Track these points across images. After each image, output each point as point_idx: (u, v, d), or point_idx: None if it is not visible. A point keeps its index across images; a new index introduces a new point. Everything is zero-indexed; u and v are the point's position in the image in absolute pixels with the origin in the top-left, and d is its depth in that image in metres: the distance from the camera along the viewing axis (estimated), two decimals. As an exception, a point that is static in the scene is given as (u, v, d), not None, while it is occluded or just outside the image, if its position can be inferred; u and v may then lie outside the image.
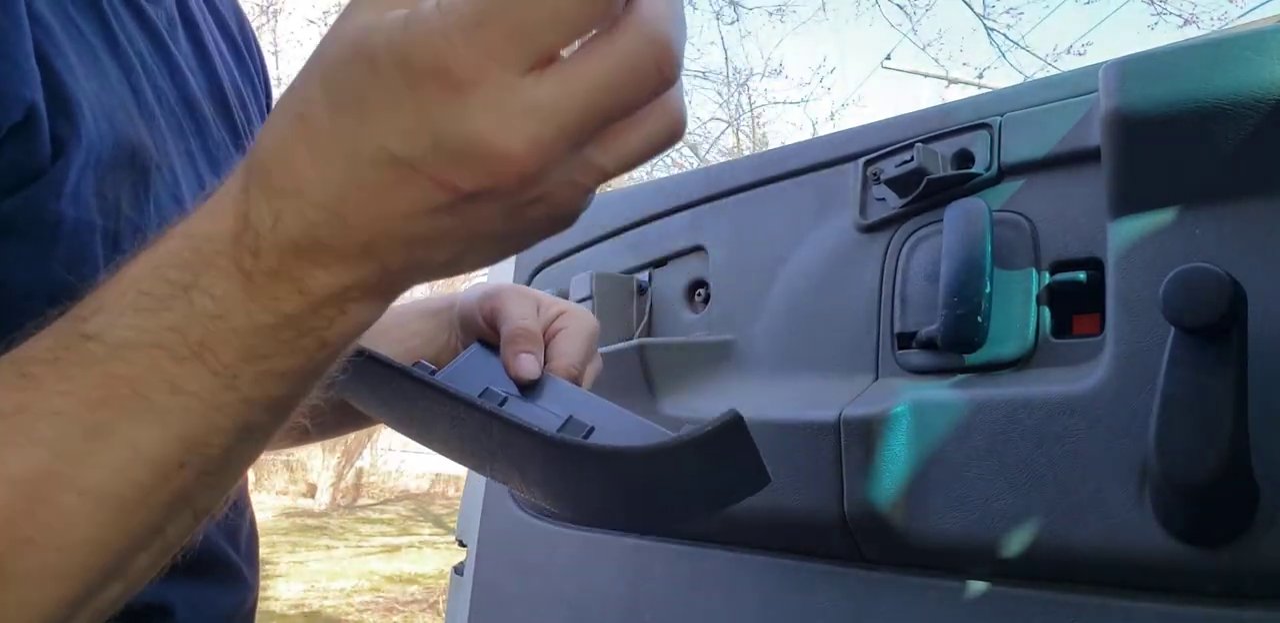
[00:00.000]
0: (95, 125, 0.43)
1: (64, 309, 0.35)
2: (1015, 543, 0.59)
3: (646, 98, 0.32)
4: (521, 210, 0.33)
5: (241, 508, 0.59)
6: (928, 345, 0.67)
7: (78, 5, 0.45)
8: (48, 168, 0.40)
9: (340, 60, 0.32)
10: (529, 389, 0.57)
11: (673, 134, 0.34)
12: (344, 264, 0.34)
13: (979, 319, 0.64)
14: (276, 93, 0.57)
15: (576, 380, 0.59)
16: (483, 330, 0.63)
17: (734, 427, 0.47)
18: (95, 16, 0.46)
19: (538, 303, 0.63)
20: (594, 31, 0.31)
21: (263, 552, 0.66)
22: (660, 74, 0.31)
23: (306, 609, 5.39)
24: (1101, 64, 0.59)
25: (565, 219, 0.35)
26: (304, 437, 0.69)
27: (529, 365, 0.56)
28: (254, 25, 0.74)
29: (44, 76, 0.41)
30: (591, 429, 0.52)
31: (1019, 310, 0.64)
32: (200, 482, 0.35)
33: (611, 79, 0.31)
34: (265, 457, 0.62)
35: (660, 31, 0.31)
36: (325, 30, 0.33)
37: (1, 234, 0.40)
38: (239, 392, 0.34)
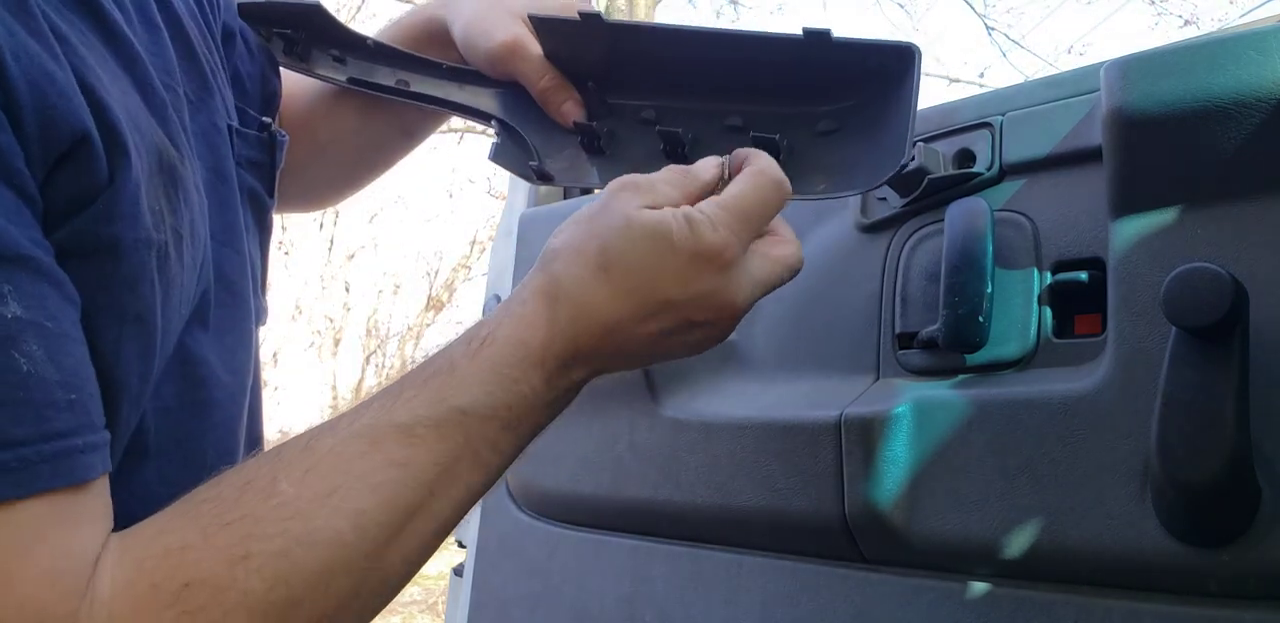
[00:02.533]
0: (133, 141, 0.43)
1: (426, 374, 0.49)
2: (1016, 543, 0.59)
3: (784, 281, 0.57)
4: (707, 337, 0.54)
5: None
6: (929, 345, 0.67)
7: (65, 2, 0.43)
8: (102, 193, 0.41)
9: (643, 240, 0.51)
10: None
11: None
12: (593, 364, 0.52)
13: (980, 319, 0.63)
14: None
15: None
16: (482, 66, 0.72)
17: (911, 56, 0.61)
18: (86, 9, 0.44)
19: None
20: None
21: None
22: (795, 268, 0.57)
23: (306, 610, 5.38)
24: (1103, 63, 0.59)
25: (719, 340, 0.56)
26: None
27: (576, 111, 0.69)
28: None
29: (88, 101, 0.41)
30: None
31: (1020, 310, 0.64)
32: (465, 513, 0.50)
33: (785, 269, 0.56)
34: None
35: (799, 250, 0.58)
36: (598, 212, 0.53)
37: (62, 258, 0.40)
38: (517, 448, 0.51)
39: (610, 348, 0.51)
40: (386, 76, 0.74)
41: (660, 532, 0.83)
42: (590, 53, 0.68)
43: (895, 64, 0.61)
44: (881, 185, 0.64)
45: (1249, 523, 0.51)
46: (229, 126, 0.59)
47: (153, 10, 0.51)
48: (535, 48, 0.68)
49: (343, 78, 0.75)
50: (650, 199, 0.53)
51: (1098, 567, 0.57)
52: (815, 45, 0.61)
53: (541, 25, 0.68)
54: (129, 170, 0.43)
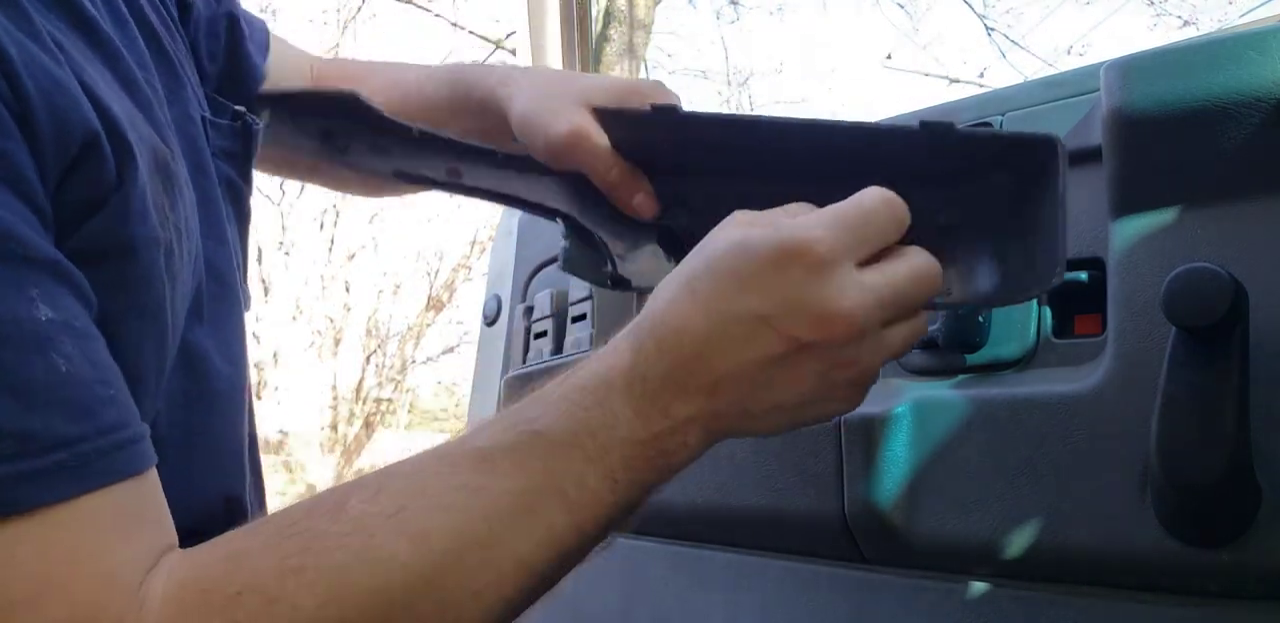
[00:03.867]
0: (135, 140, 0.43)
1: (510, 410, 0.46)
2: (1016, 543, 0.59)
3: (921, 300, 0.48)
4: (832, 372, 0.46)
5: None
6: (929, 346, 0.67)
7: (48, 4, 0.43)
8: (113, 194, 0.41)
9: (724, 253, 0.46)
10: None
11: (923, 333, 0.51)
12: (695, 398, 0.45)
13: (980, 319, 0.64)
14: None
15: None
16: (543, 158, 0.64)
17: (1049, 148, 0.52)
18: (67, 9, 0.44)
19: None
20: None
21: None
22: (931, 285, 0.48)
23: (306, 610, 5.38)
24: (1103, 63, 0.59)
25: (857, 391, 0.48)
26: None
27: (650, 204, 0.63)
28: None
29: (92, 105, 0.41)
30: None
31: (1020, 310, 0.64)
32: (567, 567, 0.45)
33: (907, 278, 0.47)
34: (263, 458, 0.63)
35: (934, 260, 0.48)
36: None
37: (80, 262, 0.40)
38: (615, 495, 0.45)
39: (707, 377, 0.45)
40: (436, 167, 0.67)
41: (660, 532, 0.83)
42: (663, 143, 0.62)
43: (1031, 158, 0.54)
44: (1030, 299, 0.57)
45: (1249, 523, 0.51)
46: (202, 117, 0.58)
47: (118, 3, 0.50)
48: (600, 138, 0.61)
49: (388, 169, 0.68)
50: (754, 221, 0.48)
51: (1098, 567, 0.57)
52: (933, 139, 0.54)
53: (609, 118, 0.62)
54: (136, 170, 0.43)
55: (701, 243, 0.48)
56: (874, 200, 0.48)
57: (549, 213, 0.67)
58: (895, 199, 0.48)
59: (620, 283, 0.64)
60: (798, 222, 0.46)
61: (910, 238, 0.50)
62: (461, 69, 0.72)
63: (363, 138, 0.67)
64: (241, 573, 0.39)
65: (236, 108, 0.62)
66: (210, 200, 0.56)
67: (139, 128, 0.45)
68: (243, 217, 0.63)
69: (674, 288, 0.47)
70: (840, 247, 0.45)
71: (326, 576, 0.39)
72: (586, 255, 0.65)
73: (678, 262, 0.58)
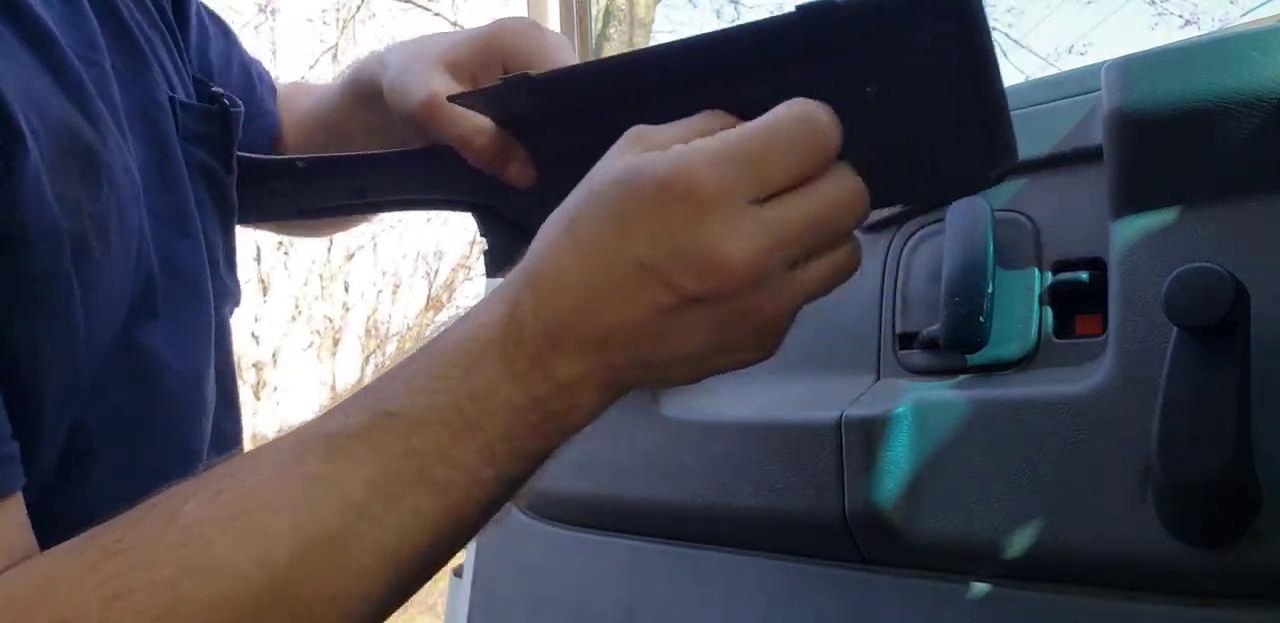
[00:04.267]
0: (30, 122, 0.40)
1: (368, 388, 0.41)
2: (1017, 544, 0.59)
3: (843, 230, 0.43)
4: (732, 322, 0.41)
5: None
6: (929, 346, 0.67)
7: None
8: (1, 180, 0.38)
9: (608, 185, 0.40)
10: None
11: (852, 266, 0.45)
12: (582, 355, 0.40)
13: (981, 319, 0.63)
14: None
15: None
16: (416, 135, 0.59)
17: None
18: None
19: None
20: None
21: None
22: (853, 212, 0.42)
23: (306, 610, 5.37)
24: (1103, 63, 0.59)
25: (767, 339, 0.43)
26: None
27: (526, 172, 0.56)
28: (252, 25, 0.72)
29: None
30: None
31: (1021, 310, 0.64)
32: (448, 550, 0.41)
33: (819, 209, 0.41)
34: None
35: (858, 182, 0.42)
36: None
37: None
38: (495, 469, 0.40)
39: (595, 332, 0.40)
40: (340, 190, 0.61)
41: (659, 532, 0.83)
42: (542, 105, 0.54)
43: (941, 12, 0.45)
44: (983, 189, 0.50)
45: (1250, 523, 0.51)
46: (171, 99, 0.53)
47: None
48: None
49: (292, 211, 0.63)
50: (648, 145, 0.42)
51: (1098, 567, 0.57)
52: (818, 21, 0.43)
53: (465, 104, 0.53)
54: (26, 156, 0.38)
55: (590, 172, 0.42)
56: (784, 121, 0.41)
57: (467, 208, 0.60)
58: (815, 116, 0.41)
59: None
60: (688, 152, 0.40)
61: (843, 122, 0.42)
62: (358, 61, 0.66)
63: (253, 191, 0.62)
64: (56, 602, 0.34)
65: (215, 89, 0.59)
66: (175, 188, 0.53)
67: (47, 110, 0.41)
68: (223, 204, 0.59)
69: (554, 230, 0.41)
70: (731, 183, 0.39)
71: (156, 596, 0.34)
72: (509, 251, 0.58)
73: None
